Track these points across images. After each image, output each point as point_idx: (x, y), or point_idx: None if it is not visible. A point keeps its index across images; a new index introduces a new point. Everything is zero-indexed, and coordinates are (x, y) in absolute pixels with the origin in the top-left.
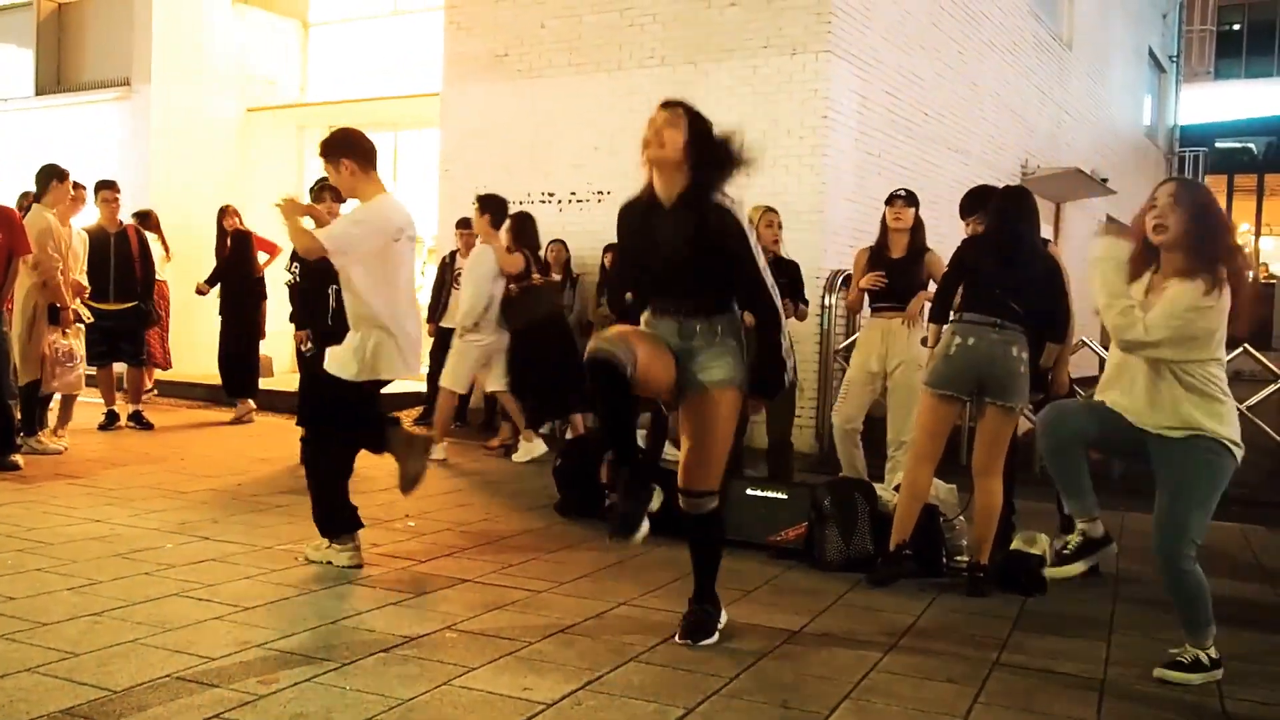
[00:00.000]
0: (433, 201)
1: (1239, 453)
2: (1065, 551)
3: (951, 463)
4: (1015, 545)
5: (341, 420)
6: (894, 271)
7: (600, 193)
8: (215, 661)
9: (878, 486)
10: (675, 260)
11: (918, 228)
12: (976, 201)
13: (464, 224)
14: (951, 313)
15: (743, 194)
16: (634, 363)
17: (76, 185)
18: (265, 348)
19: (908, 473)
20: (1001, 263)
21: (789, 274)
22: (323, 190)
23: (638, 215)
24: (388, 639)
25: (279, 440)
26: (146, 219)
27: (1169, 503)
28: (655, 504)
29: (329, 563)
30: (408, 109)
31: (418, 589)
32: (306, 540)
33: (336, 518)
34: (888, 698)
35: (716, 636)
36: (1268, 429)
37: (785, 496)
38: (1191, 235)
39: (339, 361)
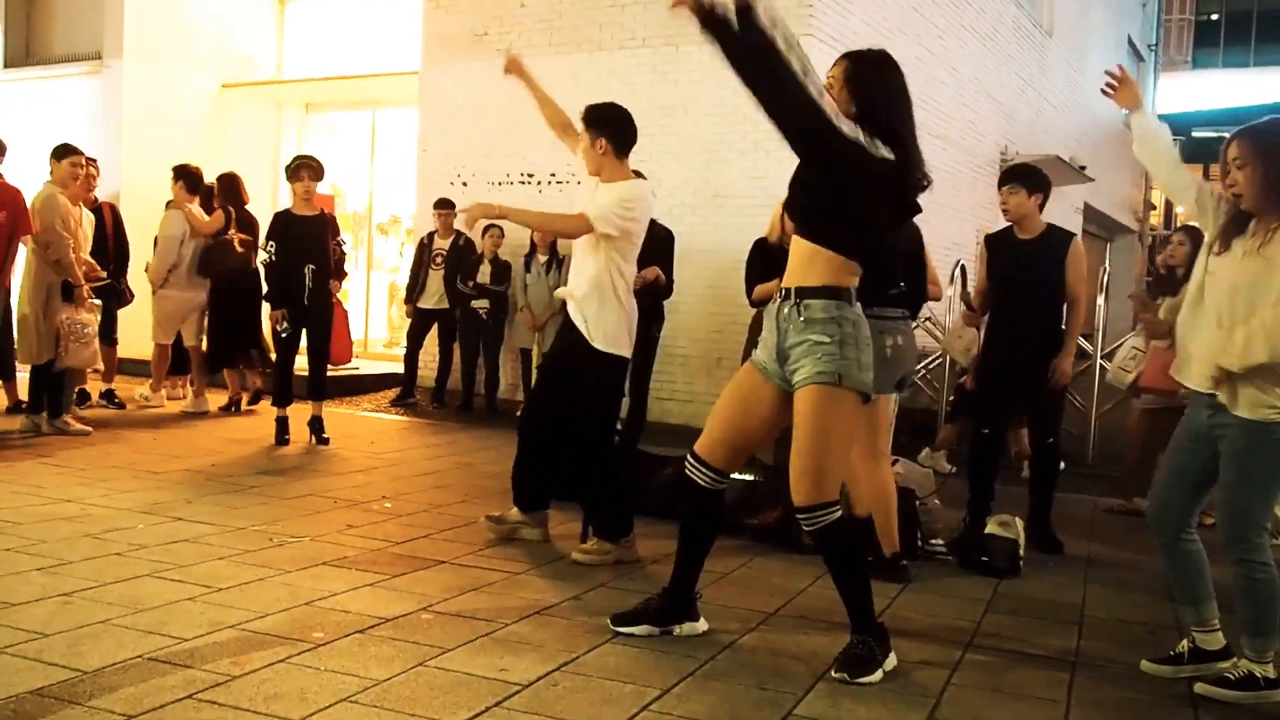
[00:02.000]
0: (411, 181)
1: None
2: (1173, 653)
3: (925, 445)
4: (990, 529)
5: (615, 401)
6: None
7: (579, 174)
8: (188, 642)
9: None
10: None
11: None
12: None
13: (442, 204)
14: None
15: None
16: (721, 470)
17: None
18: None
19: (870, 478)
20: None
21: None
22: (299, 169)
23: None
24: (363, 620)
25: (253, 421)
26: None
27: (1229, 488)
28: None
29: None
30: (386, 87)
31: (394, 570)
32: (281, 521)
33: (626, 515)
34: None
35: (879, 675)
36: None
37: (761, 479)
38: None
39: (612, 338)
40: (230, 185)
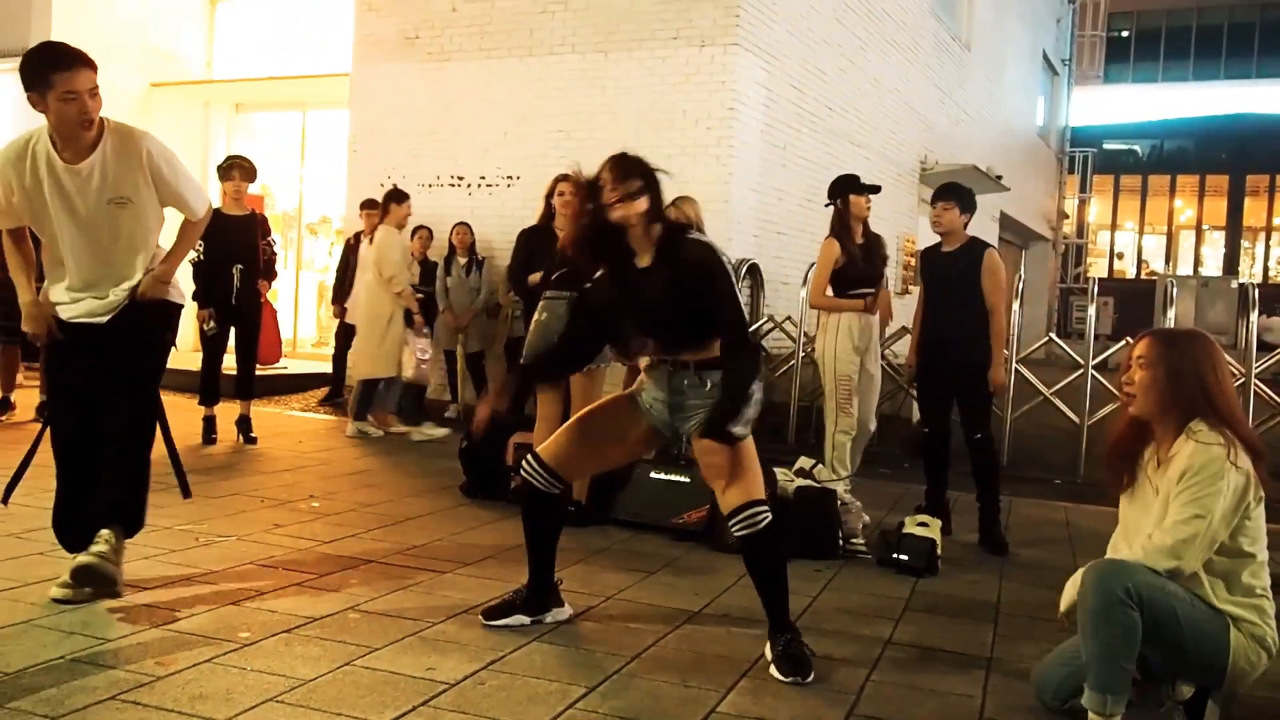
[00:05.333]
0: (341, 182)
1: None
2: None
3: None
4: (908, 529)
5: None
6: (861, 257)
7: (509, 178)
8: (111, 643)
9: (778, 471)
10: (661, 314)
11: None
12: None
13: (368, 204)
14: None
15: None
16: (561, 477)
17: None
18: None
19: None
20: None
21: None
22: (231, 168)
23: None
24: (290, 619)
25: (179, 419)
26: None
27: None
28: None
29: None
30: (317, 88)
31: (321, 570)
32: (208, 520)
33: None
34: None
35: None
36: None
37: (688, 480)
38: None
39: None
40: None
